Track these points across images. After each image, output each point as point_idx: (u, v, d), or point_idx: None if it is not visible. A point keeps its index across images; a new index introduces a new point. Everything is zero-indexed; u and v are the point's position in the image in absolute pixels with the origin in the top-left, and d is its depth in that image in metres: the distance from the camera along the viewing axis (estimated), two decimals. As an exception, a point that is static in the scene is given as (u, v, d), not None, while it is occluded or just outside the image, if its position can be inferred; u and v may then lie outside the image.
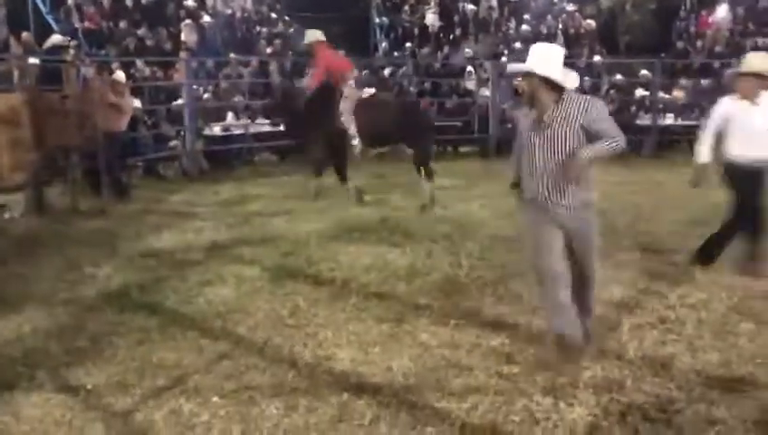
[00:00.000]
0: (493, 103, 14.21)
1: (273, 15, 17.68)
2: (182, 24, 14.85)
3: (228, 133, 12.97)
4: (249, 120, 13.25)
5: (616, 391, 3.67)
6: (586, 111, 3.73)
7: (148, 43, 14.10)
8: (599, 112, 3.75)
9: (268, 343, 4.47)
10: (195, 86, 12.50)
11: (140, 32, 14.37)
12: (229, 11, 16.69)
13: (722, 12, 16.49)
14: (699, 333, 4.48)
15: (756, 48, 15.29)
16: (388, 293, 5.38)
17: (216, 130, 12.83)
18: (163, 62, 13.32)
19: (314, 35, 9.08)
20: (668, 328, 4.56)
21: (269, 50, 15.75)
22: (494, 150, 13.90)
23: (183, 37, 14.51)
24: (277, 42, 16.15)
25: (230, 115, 13.25)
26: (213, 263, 6.31)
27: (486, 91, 14.64)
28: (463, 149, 14.88)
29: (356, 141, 8.84)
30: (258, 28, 16.81)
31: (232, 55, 14.46)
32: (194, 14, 15.51)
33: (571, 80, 3.81)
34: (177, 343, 4.49)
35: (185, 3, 15.75)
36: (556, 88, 3.76)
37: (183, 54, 12.77)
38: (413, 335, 4.51)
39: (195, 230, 7.66)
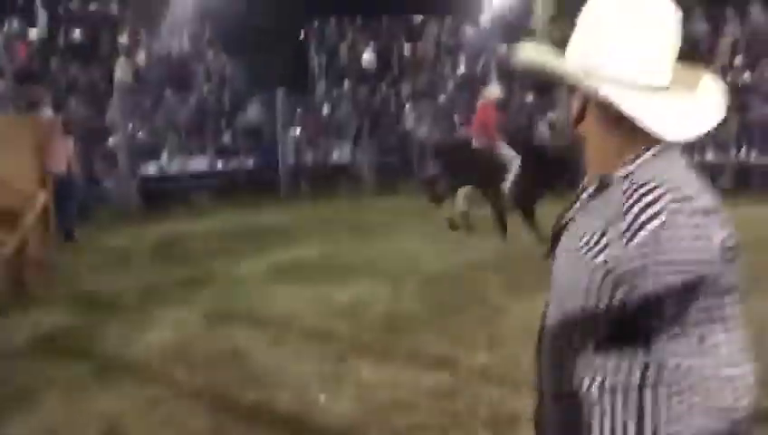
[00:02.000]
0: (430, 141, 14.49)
1: (210, 53, 17.62)
2: (116, 62, 14.65)
3: (164, 172, 12.78)
4: (186, 158, 13.11)
5: (556, 425, 3.72)
6: (630, 224, 1.18)
7: (81, 81, 13.86)
8: (659, 246, 1.16)
9: (207, 386, 4.37)
10: (130, 124, 12.30)
11: (73, 69, 14.11)
12: (165, 49, 16.57)
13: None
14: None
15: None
16: (328, 331, 5.34)
17: (152, 168, 12.63)
18: (96, 100, 13.08)
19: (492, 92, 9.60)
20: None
21: (206, 87, 15.68)
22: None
23: (117, 75, 14.32)
24: (214, 79, 16.10)
25: (165, 153, 13.08)
26: (150, 305, 6.15)
27: (424, 129, 14.93)
28: (403, 186, 15.00)
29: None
30: (195, 65, 16.74)
31: (168, 92, 14.33)
32: (128, 52, 15.33)
33: (691, 123, 1.24)
34: (113, 390, 4.34)
35: (119, 40, 15.56)
36: (633, 133, 1.23)
37: (117, 92, 12.58)
38: (355, 374, 4.48)
39: (131, 272, 7.47)
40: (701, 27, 17.18)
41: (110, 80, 14.18)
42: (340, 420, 3.86)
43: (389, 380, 4.38)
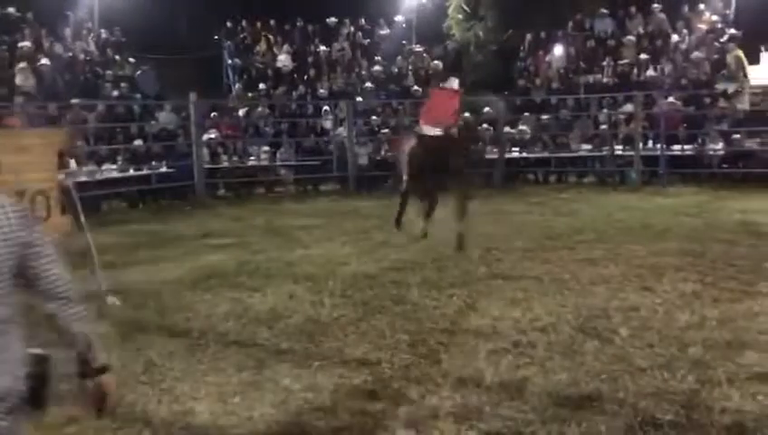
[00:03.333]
0: (349, 142, 14.52)
1: (118, 57, 16.98)
2: (16, 68, 13.92)
3: (72, 180, 12.24)
4: (95, 167, 12.62)
5: (475, 419, 3.75)
6: None
7: (-22, 88, 13.14)
8: None
9: (120, 402, 4.17)
10: (33, 132, 11.73)
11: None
12: (69, 53, 15.88)
13: (557, 52, 17.80)
14: (550, 354, 4.69)
15: (588, 85, 16.57)
16: (248, 340, 5.23)
17: (59, 177, 12.07)
18: (-5, 108, 12.43)
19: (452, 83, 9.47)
20: (522, 352, 4.74)
21: (115, 93, 15.16)
22: (353, 188, 14.12)
23: (18, 81, 13.62)
24: (123, 85, 15.57)
25: (72, 162, 12.53)
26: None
27: (343, 130, 14.93)
28: (323, 188, 14.98)
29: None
30: (102, 71, 16.10)
31: (75, 100, 13.74)
32: (29, 57, 14.56)
33: None
34: (16, 413, 4.10)
35: (19, 45, 14.79)
36: None
37: (18, 99, 11.99)
38: (275, 381, 4.39)
39: (36, 287, 7.10)
40: (607, 25, 17.83)
41: (11, 87, 13.49)
42: (258, 429, 3.77)
43: (310, 384, 4.32)
